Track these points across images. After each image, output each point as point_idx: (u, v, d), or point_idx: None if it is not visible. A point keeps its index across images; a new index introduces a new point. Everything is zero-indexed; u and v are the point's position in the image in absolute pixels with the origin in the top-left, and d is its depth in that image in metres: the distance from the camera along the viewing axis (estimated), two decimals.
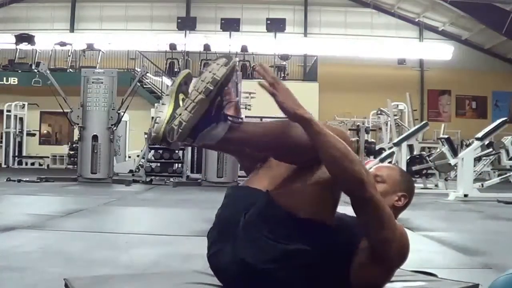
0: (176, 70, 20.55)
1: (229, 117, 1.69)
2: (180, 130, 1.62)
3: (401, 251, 1.80)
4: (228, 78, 1.65)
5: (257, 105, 16.10)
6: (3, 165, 16.99)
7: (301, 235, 1.71)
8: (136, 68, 18.70)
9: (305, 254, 1.71)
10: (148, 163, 11.17)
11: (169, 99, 1.70)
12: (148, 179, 10.49)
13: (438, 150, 10.90)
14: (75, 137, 13.27)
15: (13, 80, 18.30)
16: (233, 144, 1.74)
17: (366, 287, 1.81)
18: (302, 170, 1.77)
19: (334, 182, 1.69)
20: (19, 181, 9.34)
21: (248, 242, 1.73)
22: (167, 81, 19.34)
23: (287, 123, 1.68)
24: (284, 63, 20.75)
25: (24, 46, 19.05)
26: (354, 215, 1.82)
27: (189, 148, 11.27)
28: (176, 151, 11.10)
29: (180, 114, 1.63)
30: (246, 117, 15.26)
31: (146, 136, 12.39)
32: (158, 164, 11.16)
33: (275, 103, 1.62)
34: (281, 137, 1.71)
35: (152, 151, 11.39)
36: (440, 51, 22.89)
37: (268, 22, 20.84)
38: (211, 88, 1.62)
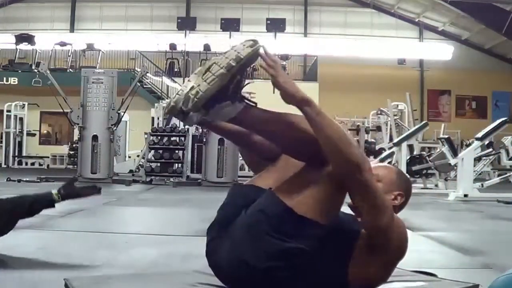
0: (176, 70, 20.58)
1: (244, 99, 1.72)
2: (195, 99, 1.63)
3: (400, 244, 1.80)
4: (251, 59, 1.68)
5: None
6: (3, 165, 16.99)
7: (297, 233, 1.71)
8: (136, 68, 18.70)
9: (300, 252, 1.71)
10: (148, 163, 11.17)
11: (196, 77, 1.70)
12: (148, 179, 10.49)
13: (438, 150, 10.90)
14: (75, 137, 13.28)
15: (13, 80, 18.31)
16: (244, 126, 1.77)
17: (364, 285, 1.81)
18: (307, 172, 1.77)
19: (332, 167, 1.70)
20: (19, 181, 9.34)
21: (247, 239, 1.73)
22: (167, 81, 19.34)
23: (299, 116, 1.71)
24: (284, 63, 20.71)
25: (24, 46, 19.05)
26: (351, 212, 1.83)
27: (189, 148, 11.27)
28: (176, 151, 11.11)
29: (198, 85, 1.65)
30: None
31: (146, 136, 12.40)
32: (158, 164, 11.16)
33: (276, 85, 1.67)
34: (292, 127, 1.72)
35: (152, 151, 11.39)
36: (440, 51, 22.89)
37: (268, 22, 20.85)
38: (233, 64, 1.64)
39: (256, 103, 1.77)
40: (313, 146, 1.71)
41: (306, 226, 1.71)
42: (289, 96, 1.66)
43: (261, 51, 1.69)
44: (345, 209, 1.85)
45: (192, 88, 1.65)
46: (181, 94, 1.67)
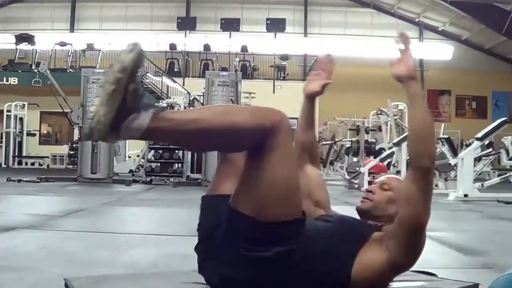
0: (176, 70, 20.58)
1: (149, 106, 1.61)
2: (100, 128, 1.55)
3: (421, 247, 1.83)
4: (137, 63, 1.59)
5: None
6: (3, 165, 16.99)
7: (276, 237, 1.70)
8: None
9: (287, 255, 1.70)
10: (148, 163, 11.17)
11: (99, 99, 1.59)
12: (148, 179, 10.49)
13: (438, 150, 10.90)
14: (75, 137, 13.29)
15: (13, 80, 18.31)
16: (162, 134, 1.65)
17: (370, 285, 1.81)
18: (254, 166, 1.70)
19: (409, 149, 1.73)
20: (19, 181, 9.34)
21: (228, 259, 1.73)
22: (167, 81, 19.34)
23: (220, 109, 1.65)
24: (284, 63, 20.75)
25: (24, 46, 19.03)
26: (358, 217, 1.85)
27: None
28: (176, 151, 11.11)
29: (98, 111, 1.56)
30: None
31: None
32: (158, 164, 11.16)
33: (404, 54, 1.76)
34: (213, 124, 1.62)
35: (152, 151, 11.40)
36: (440, 51, 22.91)
37: (268, 22, 20.83)
38: (121, 76, 1.56)
39: (165, 107, 1.71)
40: (244, 137, 1.67)
41: (277, 230, 1.69)
42: (410, 68, 1.72)
43: (400, 33, 1.74)
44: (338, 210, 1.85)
45: (93, 116, 1.56)
46: (90, 118, 1.58)
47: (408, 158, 1.67)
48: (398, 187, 1.95)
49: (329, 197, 2.13)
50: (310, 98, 2.15)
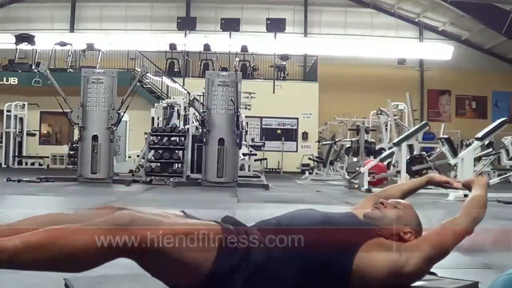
0: (176, 70, 20.59)
1: None
2: None
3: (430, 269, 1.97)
4: None
5: (257, 105, 16.13)
6: (3, 165, 16.98)
7: (229, 271, 1.72)
8: (136, 68, 18.70)
9: (253, 266, 1.73)
10: (148, 163, 11.16)
11: None
12: (148, 179, 10.48)
13: (438, 150, 10.90)
14: (75, 137, 13.28)
15: (13, 80, 18.31)
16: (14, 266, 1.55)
17: (370, 281, 1.83)
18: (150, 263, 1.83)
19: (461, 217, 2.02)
20: (19, 181, 9.34)
21: None
22: (167, 81, 19.34)
23: (53, 234, 1.59)
24: (284, 63, 20.75)
25: (24, 46, 19.05)
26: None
27: (189, 148, 11.27)
28: (176, 151, 11.11)
29: None
30: (246, 117, 15.23)
31: (146, 136, 12.40)
32: (158, 164, 11.15)
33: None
34: (51, 254, 1.58)
35: (152, 151, 11.40)
36: (440, 51, 22.89)
37: (268, 22, 20.85)
38: None
39: None
40: (92, 259, 1.70)
41: (217, 273, 1.72)
42: (486, 182, 2.18)
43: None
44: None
45: None
46: None
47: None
48: (409, 211, 2.07)
49: None
50: (427, 183, 2.38)
